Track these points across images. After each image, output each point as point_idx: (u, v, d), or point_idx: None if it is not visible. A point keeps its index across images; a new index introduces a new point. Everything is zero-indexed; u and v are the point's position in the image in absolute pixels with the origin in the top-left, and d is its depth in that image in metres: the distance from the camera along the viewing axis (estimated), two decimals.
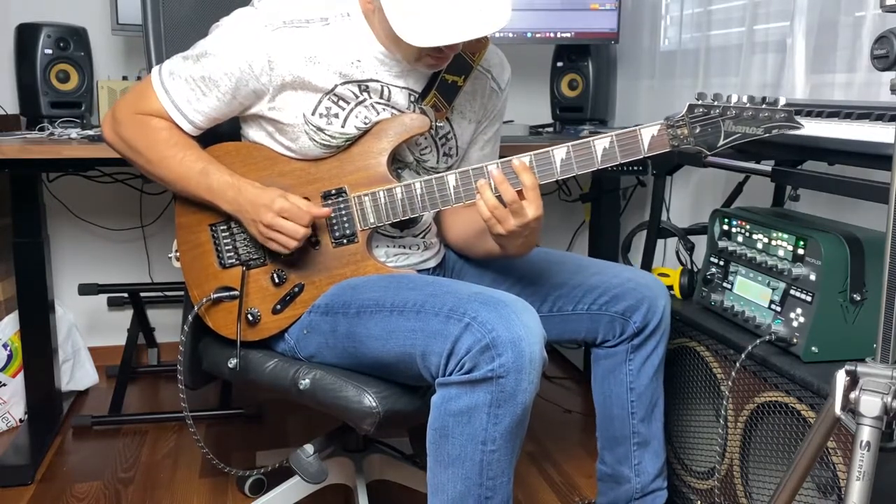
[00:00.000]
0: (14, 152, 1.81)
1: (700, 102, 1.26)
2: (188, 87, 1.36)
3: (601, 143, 1.27)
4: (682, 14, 2.37)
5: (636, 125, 1.29)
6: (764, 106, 1.24)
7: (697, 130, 1.26)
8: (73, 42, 2.14)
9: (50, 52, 2.11)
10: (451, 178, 1.33)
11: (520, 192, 1.25)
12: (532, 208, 1.25)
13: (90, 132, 1.99)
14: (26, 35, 2.11)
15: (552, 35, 2.34)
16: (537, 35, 2.33)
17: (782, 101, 1.23)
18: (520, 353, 1.13)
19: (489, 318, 1.15)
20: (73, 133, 2.02)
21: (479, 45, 1.42)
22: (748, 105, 1.24)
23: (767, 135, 1.24)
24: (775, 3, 1.94)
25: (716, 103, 1.25)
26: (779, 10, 1.92)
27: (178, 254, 1.48)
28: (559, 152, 1.28)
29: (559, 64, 2.41)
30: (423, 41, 1.21)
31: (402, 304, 1.26)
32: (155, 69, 1.40)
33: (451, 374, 1.17)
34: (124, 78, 2.39)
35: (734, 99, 1.25)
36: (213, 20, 1.38)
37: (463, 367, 1.16)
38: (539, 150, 1.29)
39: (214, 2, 1.53)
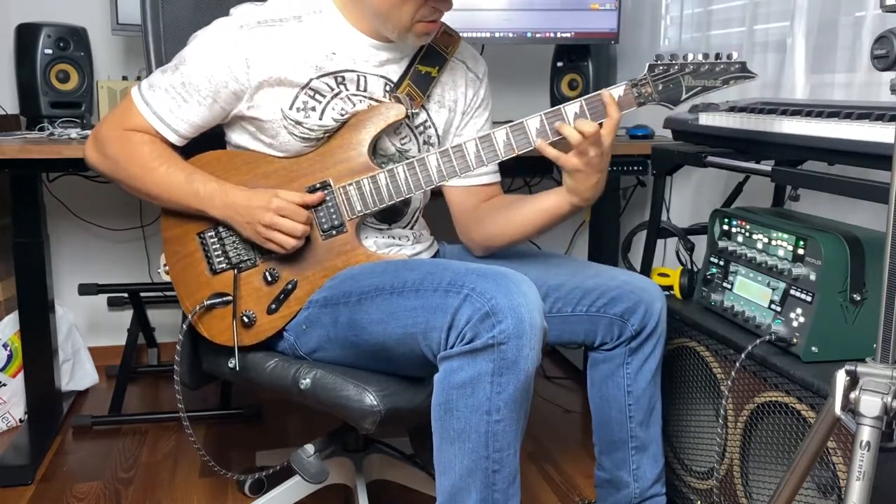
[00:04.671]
0: (14, 152, 1.81)
1: (659, 62, 1.35)
2: (168, 96, 1.37)
3: (572, 109, 1.35)
4: (682, 14, 2.37)
5: (604, 88, 1.37)
6: (718, 60, 1.35)
7: (660, 87, 1.35)
8: (73, 42, 2.14)
9: (50, 52, 2.11)
10: (432, 159, 1.38)
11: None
12: (608, 139, 1.32)
13: (90, 132, 1.99)
14: (26, 35, 2.11)
15: (552, 35, 2.34)
16: (537, 35, 2.33)
17: (735, 55, 1.35)
18: (520, 319, 1.13)
19: (487, 287, 1.16)
20: (73, 133, 2.02)
21: (451, 39, 1.48)
22: (704, 60, 1.35)
23: (725, 85, 1.35)
24: (775, 3, 1.94)
25: (674, 61, 1.35)
26: (779, 10, 1.92)
27: (166, 268, 1.47)
28: (533, 122, 1.36)
29: (559, 64, 2.41)
30: None
31: (402, 285, 1.27)
32: (135, 87, 1.42)
33: (452, 347, 1.18)
34: (124, 78, 2.39)
35: (690, 57, 1.35)
36: (213, 20, 1.38)
37: (464, 337, 1.16)
38: (514, 122, 1.37)
39: (214, 2, 1.53)
